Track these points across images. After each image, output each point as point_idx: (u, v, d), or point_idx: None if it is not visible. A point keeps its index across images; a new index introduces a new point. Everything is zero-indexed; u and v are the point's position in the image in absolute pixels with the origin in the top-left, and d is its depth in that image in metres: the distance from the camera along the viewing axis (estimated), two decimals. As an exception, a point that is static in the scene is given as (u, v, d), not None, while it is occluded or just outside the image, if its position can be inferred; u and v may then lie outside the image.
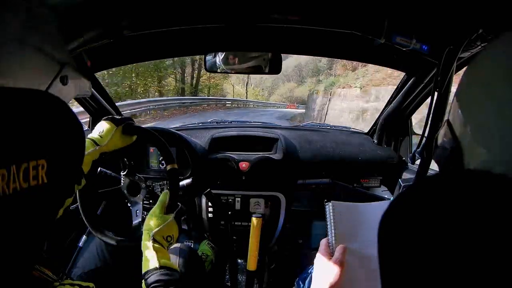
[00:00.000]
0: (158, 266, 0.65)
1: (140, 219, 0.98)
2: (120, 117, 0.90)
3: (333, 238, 0.61)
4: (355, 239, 0.60)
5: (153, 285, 0.63)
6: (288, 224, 1.26)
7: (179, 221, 0.78)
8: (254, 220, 1.01)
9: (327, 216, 0.64)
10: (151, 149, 1.28)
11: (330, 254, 0.60)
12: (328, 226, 0.63)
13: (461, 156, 0.31)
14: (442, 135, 0.36)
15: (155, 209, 0.77)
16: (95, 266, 1.11)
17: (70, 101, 0.48)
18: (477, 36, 0.68)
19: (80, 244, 1.17)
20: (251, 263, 1.03)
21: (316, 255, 0.61)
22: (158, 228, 0.72)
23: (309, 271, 0.97)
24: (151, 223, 0.74)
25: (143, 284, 0.65)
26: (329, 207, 0.64)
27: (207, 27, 0.87)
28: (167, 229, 0.74)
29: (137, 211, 0.99)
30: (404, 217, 0.26)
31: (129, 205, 1.01)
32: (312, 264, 1.00)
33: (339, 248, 0.58)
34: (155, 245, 0.70)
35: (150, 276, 0.65)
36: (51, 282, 0.40)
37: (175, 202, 0.80)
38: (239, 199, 1.23)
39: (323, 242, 0.63)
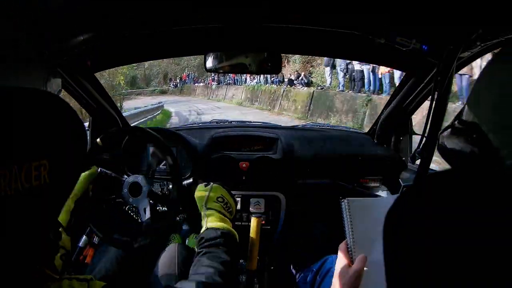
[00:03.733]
0: (206, 228, 0.75)
1: (149, 216, 0.98)
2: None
3: (352, 241, 0.57)
4: (375, 240, 0.54)
5: (199, 243, 0.72)
6: (288, 224, 1.26)
7: (222, 184, 0.87)
8: (254, 220, 1.01)
9: (344, 215, 0.59)
10: (151, 149, 1.28)
11: (349, 261, 0.57)
12: (346, 227, 0.59)
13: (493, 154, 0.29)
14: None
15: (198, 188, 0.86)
16: (111, 267, 1.12)
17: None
18: (477, 36, 0.68)
19: (80, 244, 1.17)
20: (251, 263, 1.03)
21: (336, 261, 0.59)
22: (206, 197, 0.80)
23: (311, 270, 0.97)
24: (199, 196, 0.83)
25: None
26: (345, 204, 0.59)
27: (207, 27, 0.87)
28: (213, 194, 0.82)
29: (145, 209, 0.98)
30: (411, 214, 0.26)
31: (134, 204, 1.00)
32: (312, 264, 1.00)
33: (359, 259, 0.55)
34: (207, 212, 0.78)
35: (199, 236, 0.74)
36: (50, 281, 0.40)
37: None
38: (239, 199, 1.23)
39: (342, 247, 0.59)
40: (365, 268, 0.54)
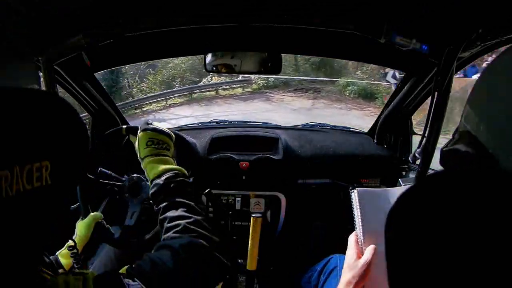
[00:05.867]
0: (151, 184, 0.65)
1: (133, 223, 0.96)
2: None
3: (361, 233, 0.57)
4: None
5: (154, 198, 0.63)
6: (288, 224, 1.26)
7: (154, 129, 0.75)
8: (254, 220, 1.01)
9: (353, 206, 0.58)
10: None
11: (359, 253, 0.57)
12: (355, 218, 0.58)
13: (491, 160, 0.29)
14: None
15: None
16: (109, 263, 1.12)
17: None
18: (477, 36, 0.68)
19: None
20: (251, 263, 1.03)
21: (346, 253, 0.59)
22: (137, 151, 0.71)
23: (315, 269, 0.97)
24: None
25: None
26: (354, 195, 0.58)
27: (207, 27, 0.87)
28: (141, 142, 0.71)
29: (133, 214, 0.97)
30: (411, 215, 0.26)
31: (130, 204, 1.00)
32: (315, 263, 1.00)
33: (369, 250, 0.56)
34: (143, 163, 0.70)
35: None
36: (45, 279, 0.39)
37: None
38: (239, 199, 1.23)
39: (351, 239, 0.59)
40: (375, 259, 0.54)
